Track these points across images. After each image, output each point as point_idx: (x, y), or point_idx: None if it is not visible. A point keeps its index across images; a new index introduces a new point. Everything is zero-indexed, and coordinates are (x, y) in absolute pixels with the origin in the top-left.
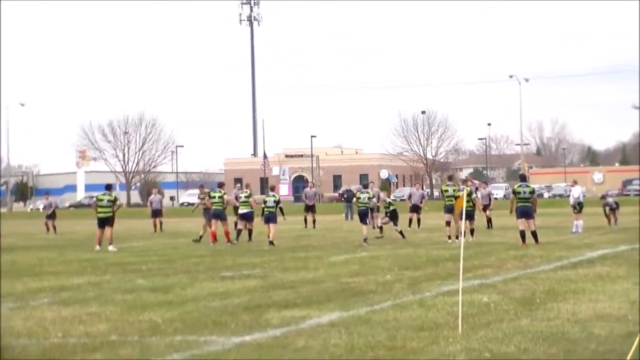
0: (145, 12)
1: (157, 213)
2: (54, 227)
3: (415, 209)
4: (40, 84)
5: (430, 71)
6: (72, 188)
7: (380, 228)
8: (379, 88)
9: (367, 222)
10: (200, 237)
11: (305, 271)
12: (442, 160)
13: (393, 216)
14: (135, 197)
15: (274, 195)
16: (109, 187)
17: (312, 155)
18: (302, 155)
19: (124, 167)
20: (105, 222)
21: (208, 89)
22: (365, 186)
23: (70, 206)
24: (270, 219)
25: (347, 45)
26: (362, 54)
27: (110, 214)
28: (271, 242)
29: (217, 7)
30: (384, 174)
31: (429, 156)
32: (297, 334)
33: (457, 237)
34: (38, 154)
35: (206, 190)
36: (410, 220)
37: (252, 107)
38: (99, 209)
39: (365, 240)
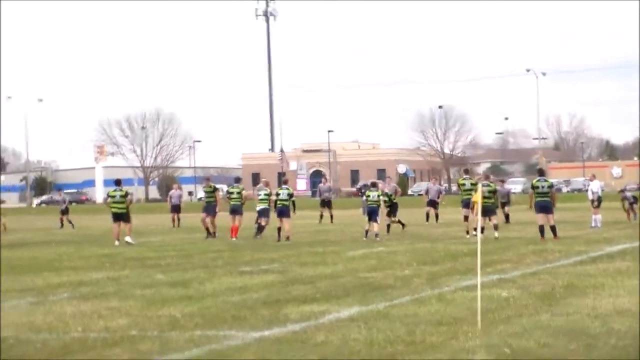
0: (162, 7)
1: (175, 208)
2: (70, 222)
3: (433, 203)
4: (58, 80)
5: (446, 66)
6: (91, 183)
7: (388, 226)
8: (396, 83)
9: (377, 220)
10: (213, 232)
11: (323, 266)
12: (459, 154)
13: (393, 209)
14: (154, 192)
15: (287, 188)
16: (118, 183)
17: (329, 150)
18: (319, 150)
19: (141, 162)
20: (120, 218)
21: (225, 83)
22: (374, 184)
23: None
24: (283, 212)
25: (364, 41)
26: (380, 49)
27: (125, 209)
28: (287, 238)
29: (233, 2)
30: (402, 168)
31: (447, 151)
32: (316, 328)
33: (475, 230)
34: (57, 150)
35: (211, 183)
36: (428, 215)
37: (269, 101)
38: (113, 205)
39: (376, 235)
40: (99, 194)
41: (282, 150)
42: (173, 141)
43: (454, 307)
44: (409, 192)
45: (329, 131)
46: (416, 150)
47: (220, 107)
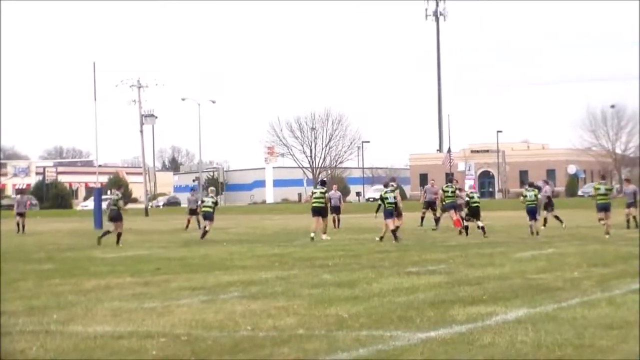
0: (332, 9)
1: (334, 210)
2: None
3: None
4: (231, 82)
5: (619, 63)
6: (261, 183)
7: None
8: (567, 82)
9: (537, 218)
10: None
11: (491, 267)
12: (631, 155)
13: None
14: None
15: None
16: (323, 183)
17: (498, 151)
18: (487, 151)
19: (310, 163)
20: (319, 212)
21: (394, 84)
22: (531, 185)
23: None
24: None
25: (535, 39)
26: (550, 47)
27: (324, 204)
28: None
29: (402, 3)
30: (572, 169)
31: (618, 151)
32: (483, 330)
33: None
34: (228, 150)
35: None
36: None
37: (437, 101)
38: (314, 200)
39: (537, 233)
40: (268, 194)
41: (449, 151)
42: (342, 142)
43: (625, 311)
44: (579, 192)
45: (498, 131)
46: (587, 150)
47: (389, 107)
